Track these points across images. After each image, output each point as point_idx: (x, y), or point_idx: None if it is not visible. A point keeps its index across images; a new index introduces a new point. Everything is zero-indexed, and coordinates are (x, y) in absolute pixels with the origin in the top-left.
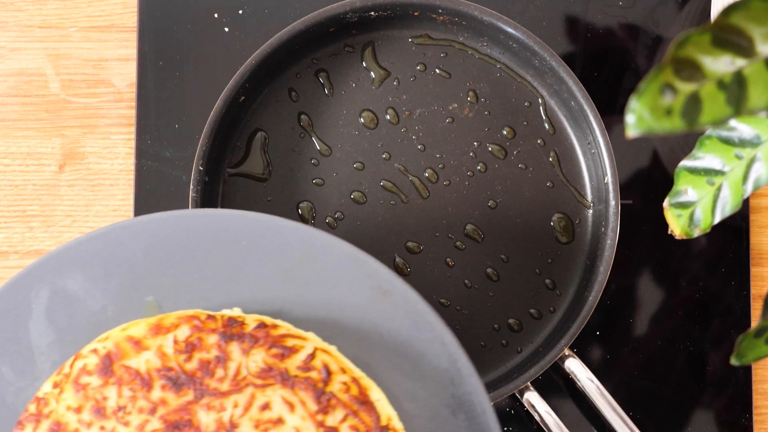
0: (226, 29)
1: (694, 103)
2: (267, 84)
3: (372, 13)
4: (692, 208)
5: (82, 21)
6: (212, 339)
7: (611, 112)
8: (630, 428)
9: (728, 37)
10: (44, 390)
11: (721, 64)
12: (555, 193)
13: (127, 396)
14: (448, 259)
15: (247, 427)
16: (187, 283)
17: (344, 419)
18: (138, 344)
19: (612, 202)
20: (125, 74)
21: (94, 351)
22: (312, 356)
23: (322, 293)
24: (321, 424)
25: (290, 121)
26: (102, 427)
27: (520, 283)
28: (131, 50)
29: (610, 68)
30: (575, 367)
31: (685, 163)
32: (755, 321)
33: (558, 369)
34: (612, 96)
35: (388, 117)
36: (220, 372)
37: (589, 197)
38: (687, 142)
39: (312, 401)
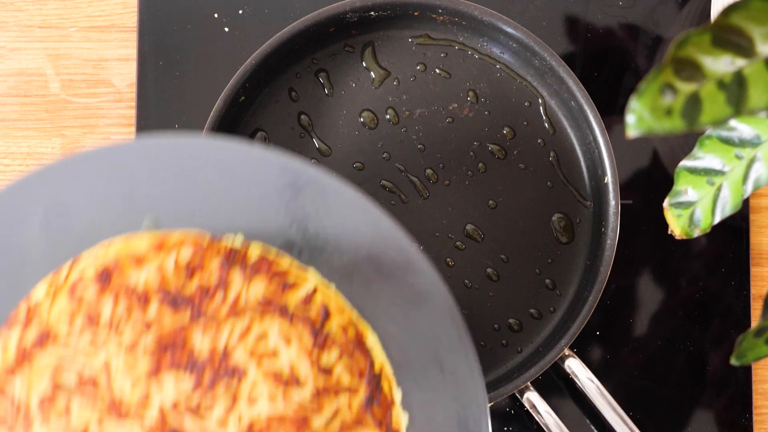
0: (226, 29)
1: (694, 103)
2: (267, 84)
3: (372, 13)
4: (692, 208)
5: (82, 21)
6: (214, 263)
7: (611, 112)
8: (630, 428)
9: (728, 37)
10: (37, 294)
11: (721, 64)
12: (555, 193)
13: (122, 310)
14: (448, 259)
15: (241, 354)
16: (188, 207)
17: (339, 359)
18: (138, 260)
19: (612, 202)
20: (125, 74)
21: (93, 259)
22: (312, 294)
23: (327, 229)
24: (316, 362)
25: (290, 121)
26: (93, 339)
27: (520, 283)
28: (131, 50)
29: (610, 68)
30: (575, 367)
31: (685, 163)
32: (755, 321)
33: (558, 369)
34: (612, 96)
35: (388, 117)
36: (219, 296)
37: (589, 197)
38: (687, 142)
39: (309, 338)
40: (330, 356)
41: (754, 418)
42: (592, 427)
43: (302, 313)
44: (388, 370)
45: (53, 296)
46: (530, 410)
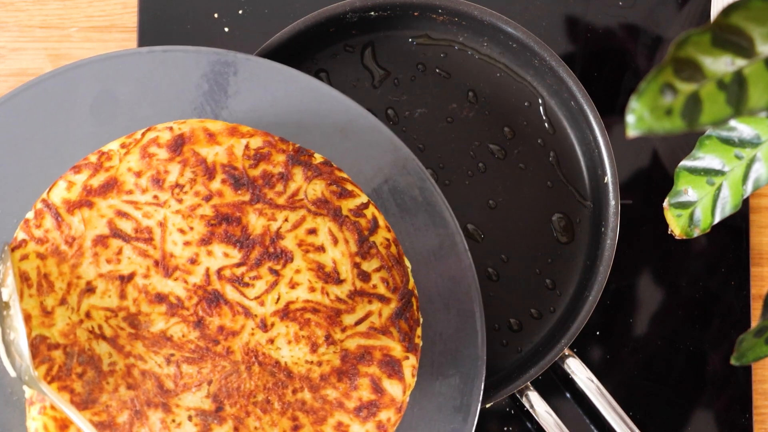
0: (226, 29)
1: (694, 103)
2: None
3: (372, 13)
4: (692, 208)
5: (82, 21)
6: (280, 157)
7: (611, 112)
8: (630, 428)
9: (728, 37)
10: (110, 146)
11: (721, 64)
12: (555, 193)
13: (188, 177)
14: None
15: (290, 241)
16: (246, 117)
17: (378, 270)
18: (212, 137)
19: (612, 202)
20: None
21: (170, 128)
22: (366, 206)
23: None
24: (357, 266)
25: None
26: (155, 197)
27: (520, 283)
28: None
29: (610, 68)
30: (575, 367)
31: (685, 163)
32: (755, 321)
33: (558, 369)
34: (612, 96)
35: (388, 117)
36: (279, 187)
37: (589, 197)
38: (687, 142)
39: (354, 243)
40: (370, 265)
41: (754, 418)
42: (592, 427)
43: (353, 219)
44: (416, 291)
45: (126, 151)
46: (530, 410)
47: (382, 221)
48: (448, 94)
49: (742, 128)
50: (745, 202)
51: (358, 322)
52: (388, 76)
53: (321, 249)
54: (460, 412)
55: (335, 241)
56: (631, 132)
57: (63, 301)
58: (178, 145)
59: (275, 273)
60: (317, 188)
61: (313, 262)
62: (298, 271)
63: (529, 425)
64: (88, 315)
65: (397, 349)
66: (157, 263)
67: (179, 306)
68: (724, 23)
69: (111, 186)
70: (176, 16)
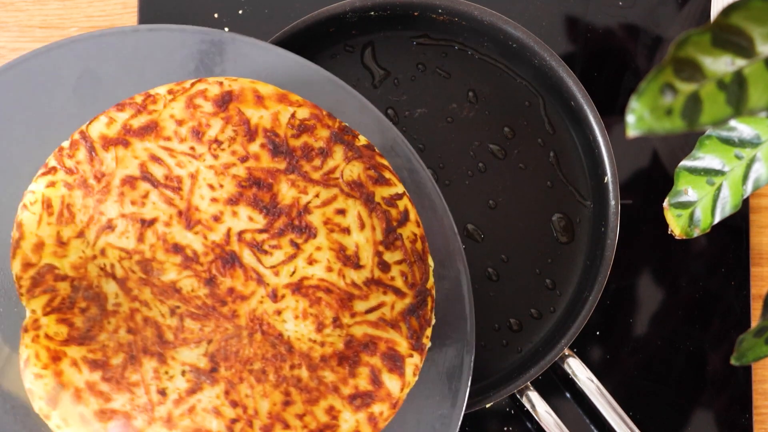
0: (226, 29)
1: (694, 103)
2: None
3: (372, 13)
4: (692, 208)
5: (82, 21)
6: (324, 132)
7: (611, 112)
8: (630, 428)
9: (728, 37)
10: (158, 90)
11: (721, 64)
12: (555, 193)
13: (228, 134)
14: None
15: (317, 217)
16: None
17: (399, 262)
18: (260, 99)
19: (612, 202)
20: None
21: (220, 83)
22: (400, 197)
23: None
24: (379, 255)
25: None
26: (192, 148)
27: (520, 283)
28: None
29: (610, 68)
30: (575, 367)
31: (685, 163)
32: (755, 321)
33: (558, 369)
34: (612, 96)
35: (388, 117)
36: (317, 162)
37: (589, 197)
38: (687, 142)
39: (381, 232)
40: (393, 256)
41: (754, 418)
42: (592, 427)
43: (385, 207)
44: (433, 292)
45: (172, 98)
46: (530, 410)
47: (413, 215)
48: (448, 94)
49: (742, 128)
50: (745, 202)
51: (369, 311)
52: (388, 76)
53: (346, 231)
54: (448, 398)
55: (362, 226)
56: (631, 132)
57: (80, 234)
58: (225, 101)
59: (296, 246)
60: (354, 170)
61: (335, 243)
62: (318, 249)
63: (529, 425)
64: (102, 252)
65: (403, 345)
66: (180, 213)
67: (194, 260)
68: (724, 23)
69: (150, 129)
70: (176, 16)
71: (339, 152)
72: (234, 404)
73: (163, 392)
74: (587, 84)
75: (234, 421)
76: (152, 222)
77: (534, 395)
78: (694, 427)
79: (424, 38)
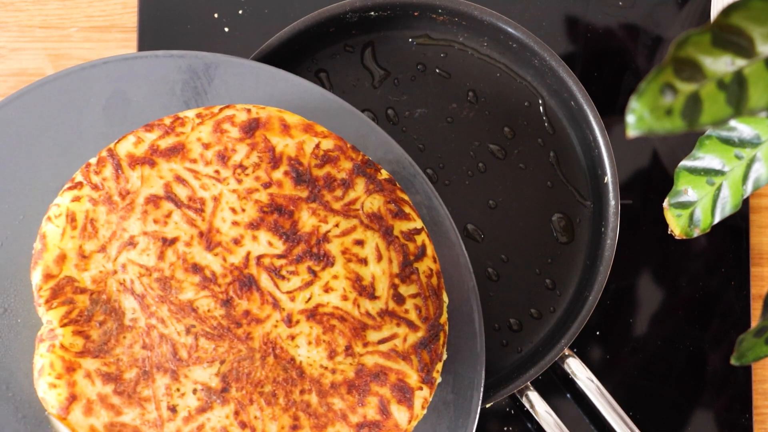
0: (226, 29)
1: (694, 103)
2: None
3: (372, 13)
4: (692, 208)
5: (82, 21)
6: (347, 164)
7: (611, 112)
8: (630, 428)
9: (728, 37)
10: (187, 113)
11: (721, 64)
12: (555, 193)
13: (253, 160)
14: None
15: (335, 246)
16: None
17: (414, 296)
18: (286, 128)
19: (612, 202)
20: None
21: (248, 110)
22: (418, 232)
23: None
24: (395, 287)
25: None
26: (217, 171)
27: (520, 283)
28: (131, 50)
29: (610, 68)
30: (575, 367)
31: (685, 163)
32: (755, 321)
33: (558, 369)
34: (612, 96)
35: (388, 117)
36: (339, 192)
37: (589, 197)
38: (687, 142)
39: (398, 265)
40: (408, 289)
41: (754, 418)
42: (592, 427)
43: (403, 241)
44: (446, 328)
45: (200, 122)
46: (530, 410)
47: (430, 251)
48: (448, 94)
49: (742, 128)
50: (745, 202)
51: (381, 341)
52: (388, 76)
53: (364, 262)
54: (460, 417)
55: (379, 258)
56: (631, 132)
57: (102, 249)
58: (252, 128)
59: (313, 273)
60: (375, 203)
61: (352, 272)
62: (335, 277)
63: (529, 425)
64: (123, 267)
65: (413, 378)
66: (201, 234)
67: (212, 281)
68: (724, 23)
69: (177, 151)
70: (176, 16)
71: (360, 184)
72: (243, 425)
73: (173, 409)
74: (587, 84)
75: None
76: (173, 241)
77: (534, 395)
78: (694, 427)
79: (424, 38)
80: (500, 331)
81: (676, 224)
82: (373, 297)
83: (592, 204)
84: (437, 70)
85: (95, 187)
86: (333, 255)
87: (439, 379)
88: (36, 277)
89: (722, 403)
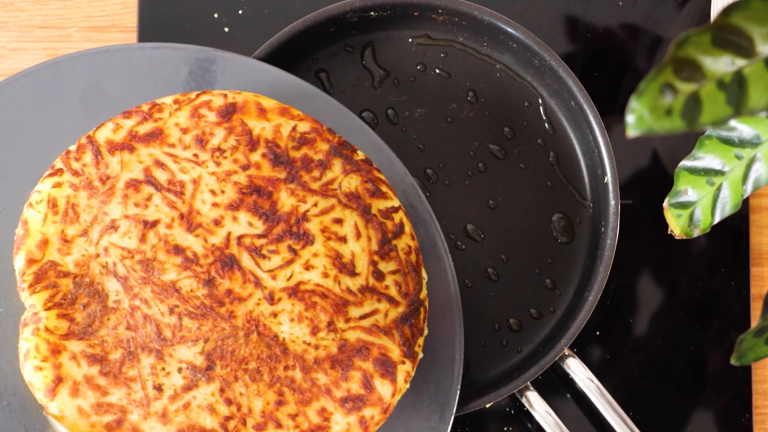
0: (226, 29)
1: (694, 103)
2: None
3: (372, 13)
4: (692, 208)
5: (82, 21)
6: (324, 146)
7: (611, 112)
8: (630, 428)
9: (728, 37)
10: (164, 100)
11: (721, 64)
12: (555, 193)
13: (231, 144)
14: None
15: (314, 225)
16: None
17: (394, 272)
18: (263, 112)
19: (612, 202)
20: None
21: (224, 95)
22: (395, 210)
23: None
24: (374, 264)
25: None
26: (195, 155)
27: (520, 283)
28: None
29: (610, 68)
30: (575, 367)
31: (685, 163)
32: (755, 321)
33: (558, 369)
34: (612, 96)
35: (388, 117)
36: (316, 173)
37: (589, 197)
38: (687, 142)
39: (376, 242)
40: (387, 266)
41: (754, 418)
42: (592, 427)
43: (380, 219)
44: (426, 303)
45: (178, 107)
46: (530, 410)
47: (408, 228)
48: (448, 94)
49: (742, 128)
50: (745, 202)
51: (362, 317)
52: (388, 76)
53: (343, 240)
54: (437, 411)
55: (358, 236)
56: (631, 132)
57: (84, 233)
58: (228, 112)
59: (293, 252)
60: (352, 182)
61: (332, 250)
62: (315, 255)
63: (529, 425)
64: (105, 251)
65: (395, 352)
66: (182, 216)
67: (194, 262)
68: (724, 23)
69: (156, 136)
70: (176, 16)
71: (338, 165)
72: (228, 402)
73: (159, 388)
74: (587, 84)
75: (228, 418)
76: (154, 224)
77: (534, 395)
78: (694, 427)
79: (424, 38)
80: (500, 331)
81: (676, 224)
82: (353, 274)
83: (592, 204)
84: (437, 70)
85: (75, 173)
86: (312, 234)
87: (420, 354)
88: (19, 262)
89: (722, 403)
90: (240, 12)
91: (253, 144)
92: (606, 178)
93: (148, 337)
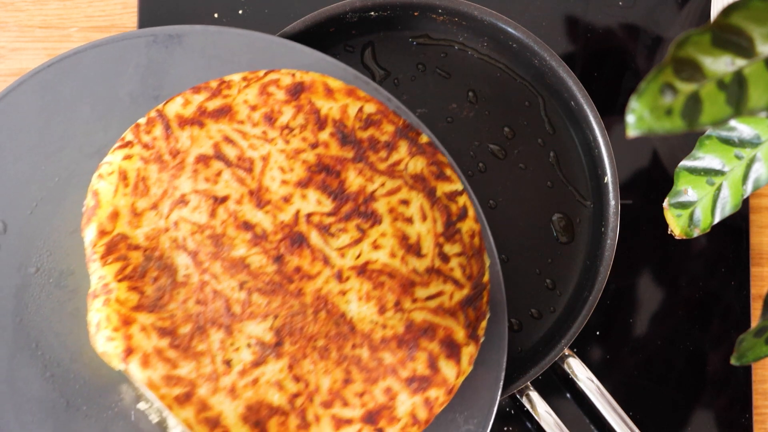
0: None
1: (694, 103)
2: None
3: (372, 13)
4: (692, 208)
5: (82, 21)
6: (389, 128)
7: (611, 112)
8: (630, 428)
9: (728, 37)
10: (232, 77)
11: (721, 64)
12: (555, 193)
13: (299, 122)
14: None
15: (382, 205)
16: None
17: (458, 255)
18: (330, 92)
19: (612, 202)
20: None
21: (292, 75)
22: (459, 193)
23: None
24: (439, 246)
25: None
26: (264, 132)
27: (520, 283)
28: None
29: (610, 68)
30: (575, 367)
31: (685, 163)
32: (755, 321)
33: (558, 369)
34: (612, 96)
35: None
36: (383, 153)
37: (589, 197)
38: (687, 142)
39: (441, 224)
40: (452, 248)
41: (754, 418)
42: (592, 427)
43: (445, 202)
44: (489, 289)
45: (246, 84)
46: (530, 410)
47: (471, 212)
48: (448, 94)
49: (742, 128)
50: (745, 202)
51: (428, 298)
52: (388, 76)
53: (409, 221)
54: (477, 415)
55: (424, 218)
56: (631, 132)
57: (154, 207)
58: (297, 91)
59: (361, 231)
60: (418, 165)
61: (399, 231)
62: (383, 235)
63: (529, 425)
64: (175, 225)
65: (460, 334)
66: (251, 193)
67: (263, 238)
68: (724, 23)
69: (225, 112)
70: (176, 15)
71: (403, 147)
72: (296, 379)
73: (228, 363)
74: (587, 84)
75: (295, 395)
76: (224, 199)
77: (534, 395)
78: (694, 427)
79: (424, 38)
80: None
81: (676, 224)
82: (419, 255)
83: (592, 204)
84: (437, 70)
85: (146, 146)
86: (380, 213)
87: (483, 336)
88: (90, 233)
89: (722, 403)
90: (240, 12)
91: (321, 123)
92: (606, 178)
93: (217, 312)
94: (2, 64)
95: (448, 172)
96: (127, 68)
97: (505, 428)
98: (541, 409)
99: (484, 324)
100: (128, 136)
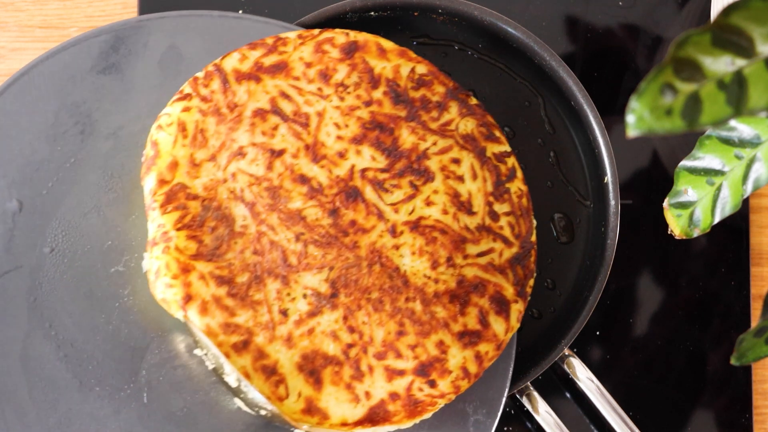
0: None
1: (694, 103)
2: None
3: (372, 13)
4: (692, 208)
5: (82, 21)
6: (440, 89)
7: (611, 112)
8: (630, 428)
9: (728, 37)
10: (288, 34)
11: (721, 64)
12: (555, 193)
13: (353, 80)
14: None
15: (434, 163)
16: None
17: (507, 214)
18: (383, 52)
19: (612, 202)
20: None
21: (346, 34)
22: (508, 155)
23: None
24: (489, 204)
25: None
26: (320, 89)
27: None
28: None
29: (610, 68)
30: (575, 367)
31: (685, 163)
32: (755, 321)
33: (558, 369)
34: (612, 96)
35: None
36: (435, 113)
37: (589, 197)
38: (687, 142)
39: (491, 184)
40: (501, 208)
41: (754, 418)
42: (592, 427)
43: (495, 162)
44: (536, 248)
45: (302, 42)
46: (530, 410)
47: (519, 173)
48: None
49: (742, 128)
50: (745, 202)
51: (479, 255)
52: None
53: (460, 179)
54: (484, 405)
55: (474, 176)
56: (631, 132)
57: (212, 158)
58: (351, 49)
59: (414, 187)
60: (468, 125)
61: (450, 188)
62: (435, 192)
63: (529, 425)
64: (233, 177)
65: (509, 291)
66: (307, 147)
67: (319, 192)
68: (724, 23)
69: (281, 68)
70: None
71: (454, 107)
72: (351, 330)
73: (284, 312)
74: (587, 84)
75: (350, 346)
76: (281, 153)
77: (534, 395)
78: (694, 427)
79: (424, 38)
80: None
81: (676, 224)
82: (470, 212)
83: (592, 204)
84: None
85: (204, 99)
86: (432, 171)
87: (530, 293)
88: (150, 182)
89: (722, 403)
90: (240, 12)
91: (374, 82)
92: (606, 178)
93: (274, 263)
94: (2, 64)
95: (497, 133)
96: (145, 52)
97: (506, 428)
98: (541, 409)
99: (531, 282)
100: (186, 88)
